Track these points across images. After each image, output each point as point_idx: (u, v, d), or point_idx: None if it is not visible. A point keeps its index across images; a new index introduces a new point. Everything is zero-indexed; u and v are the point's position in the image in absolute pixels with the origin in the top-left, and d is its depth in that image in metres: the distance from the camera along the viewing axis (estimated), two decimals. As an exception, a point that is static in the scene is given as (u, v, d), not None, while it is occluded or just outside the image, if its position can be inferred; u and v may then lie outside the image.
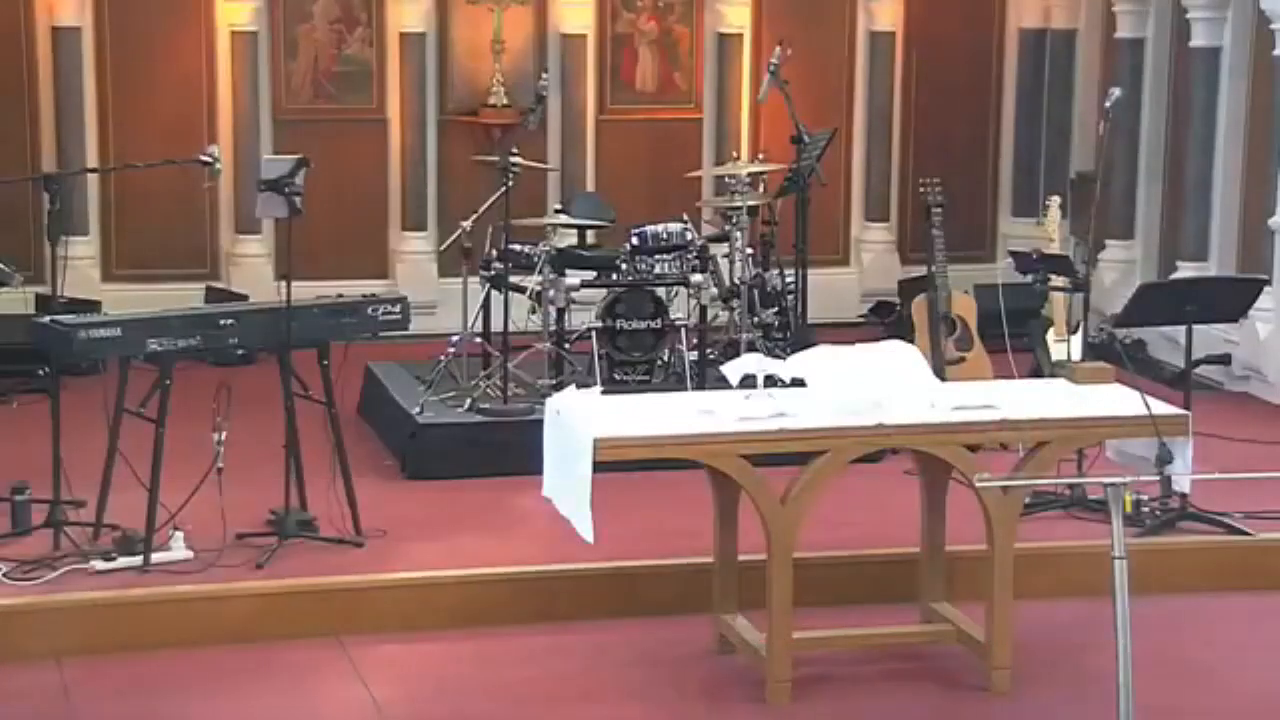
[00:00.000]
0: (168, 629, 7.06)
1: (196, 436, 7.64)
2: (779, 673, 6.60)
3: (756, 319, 10.09)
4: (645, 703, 6.67)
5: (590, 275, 9.69)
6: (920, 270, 10.84)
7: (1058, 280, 9.17)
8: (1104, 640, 5.60)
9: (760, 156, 10.87)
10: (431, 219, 12.15)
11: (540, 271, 9.35)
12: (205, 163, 8.08)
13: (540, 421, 6.91)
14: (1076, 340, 9.38)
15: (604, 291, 9.58)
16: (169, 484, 7.49)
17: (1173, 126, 11.74)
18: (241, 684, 6.75)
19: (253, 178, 9.44)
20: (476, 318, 9.81)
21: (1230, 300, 8.75)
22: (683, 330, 9.54)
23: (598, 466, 6.34)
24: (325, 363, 7.83)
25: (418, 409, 9.09)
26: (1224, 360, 10.67)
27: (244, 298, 10.37)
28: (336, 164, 11.51)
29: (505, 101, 11.93)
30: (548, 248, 9.44)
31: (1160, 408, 6.31)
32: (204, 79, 11.76)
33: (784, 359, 7.67)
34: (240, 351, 8.07)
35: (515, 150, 9.63)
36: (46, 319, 7.55)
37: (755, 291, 10.13)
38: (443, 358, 9.57)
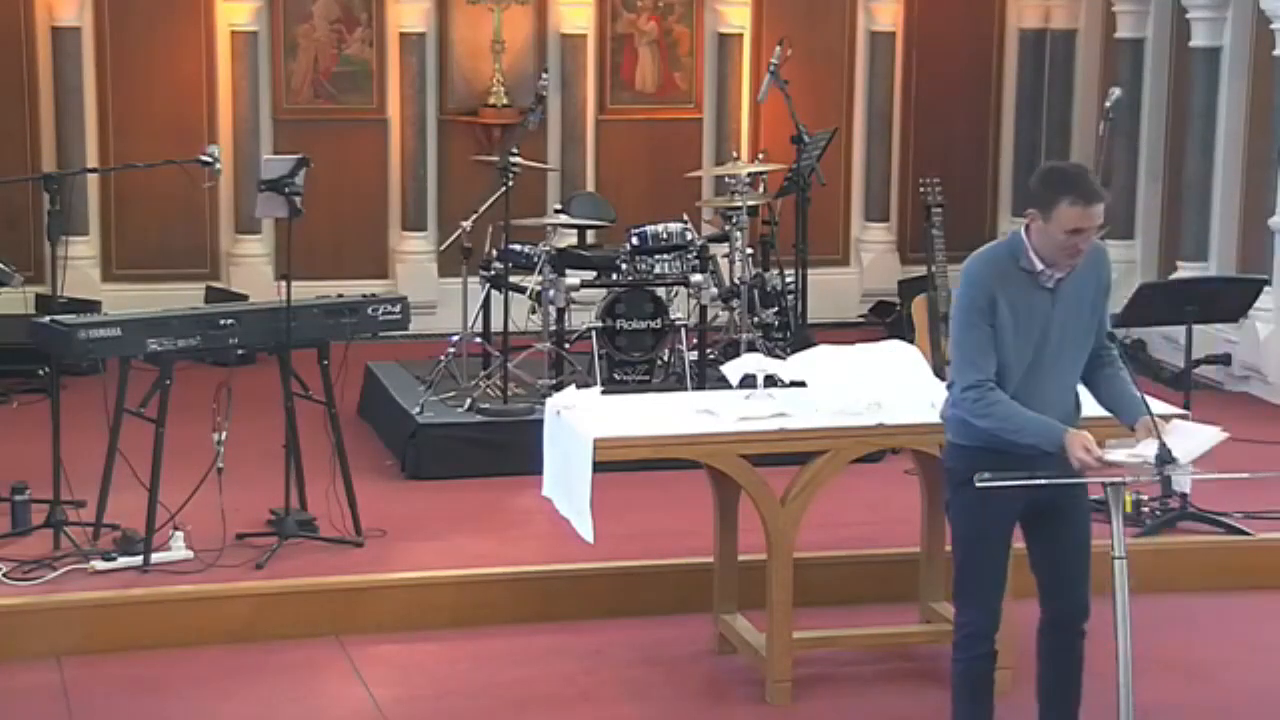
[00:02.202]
0: (168, 629, 7.06)
1: (196, 436, 7.65)
2: (779, 673, 6.60)
3: (756, 319, 10.09)
4: (645, 703, 6.67)
5: (590, 275, 9.69)
6: (920, 270, 10.84)
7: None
8: (1104, 640, 5.60)
9: (760, 156, 10.86)
10: (431, 219, 12.15)
11: (540, 271, 9.35)
12: (205, 163, 8.07)
13: (540, 421, 6.91)
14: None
15: (604, 291, 9.57)
16: (169, 484, 7.49)
17: (1173, 126, 11.74)
18: (241, 684, 6.75)
19: (253, 178, 9.46)
20: (476, 318, 9.81)
21: (1230, 300, 8.76)
22: (683, 330, 9.54)
23: (598, 466, 6.34)
24: (325, 363, 7.83)
25: (418, 409, 9.09)
26: (1224, 360, 10.67)
27: (244, 298, 10.38)
28: (336, 164, 11.52)
29: (505, 101, 11.93)
30: (548, 248, 9.44)
31: (1160, 408, 6.30)
32: (204, 79, 11.76)
33: (784, 359, 7.69)
34: (240, 351, 8.06)
35: (515, 150, 9.63)
36: (46, 319, 7.55)
37: (755, 291, 10.13)
38: (443, 358, 9.58)
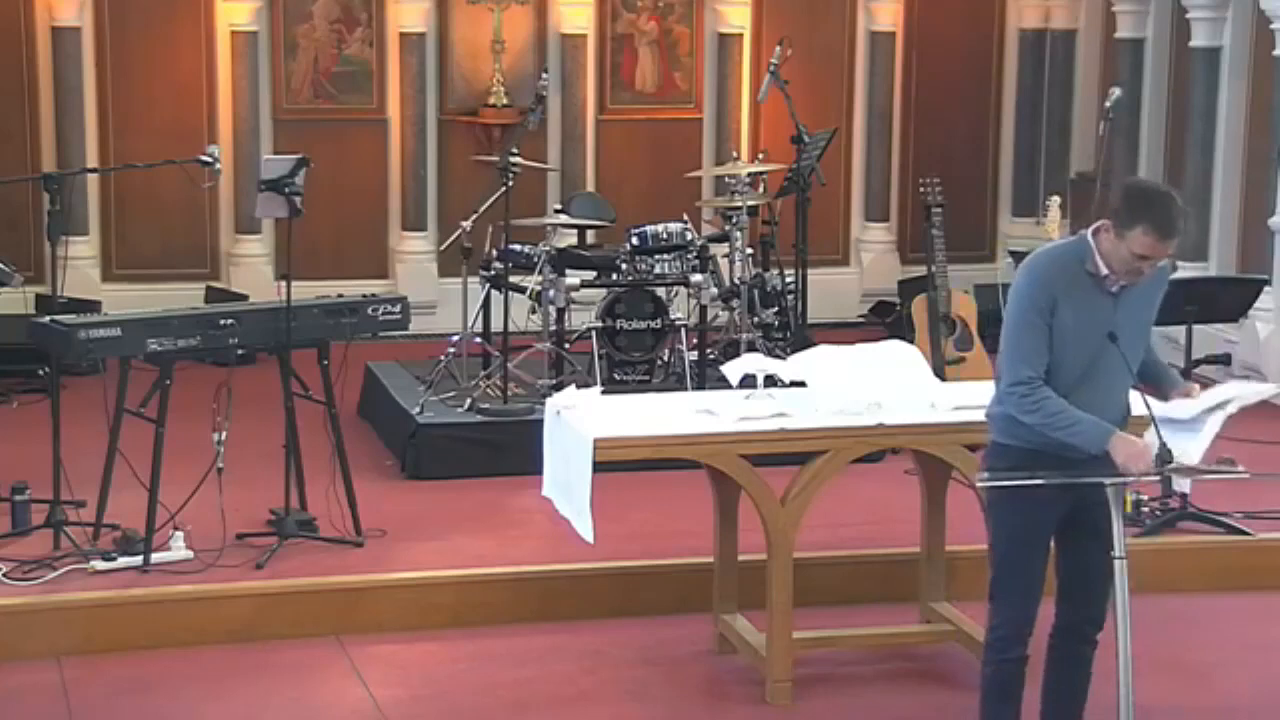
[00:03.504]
0: (168, 629, 7.06)
1: (196, 436, 7.65)
2: (779, 673, 6.60)
3: (756, 319, 10.09)
4: (645, 703, 6.67)
5: (590, 275, 9.69)
6: (920, 270, 10.84)
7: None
8: (1104, 640, 5.60)
9: (760, 156, 10.87)
10: (431, 219, 12.15)
11: (540, 271, 9.35)
12: (205, 163, 8.07)
13: (540, 421, 6.91)
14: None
15: (604, 291, 9.57)
16: (169, 484, 7.49)
17: (1173, 126, 11.74)
18: (241, 684, 6.75)
19: (253, 178, 9.46)
20: (476, 318, 9.81)
21: (1230, 300, 8.76)
22: (683, 330, 9.54)
23: (598, 466, 6.33)
24: (325, 363, 7.83)
25: (418, 409, 9.09)
26: (1224, 360, 10.66)
27: (244, 298, 10.38)
28: (336, 164, 11.53)
29: (505, 101, 11.93)
30: (548, 248, 9.44)
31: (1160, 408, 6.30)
32: (204, 79, 11.76)
33: (784, 359, 7.68)
34: (240, 351, 8.06)
35: (515, 150, 9.63)
36: (46, 319, 7.55)
37: (755, 291, 10.13)
38: (443, 358, 9.58)
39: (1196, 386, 5.63)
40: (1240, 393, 5.65)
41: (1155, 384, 5.68)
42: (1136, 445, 5.38)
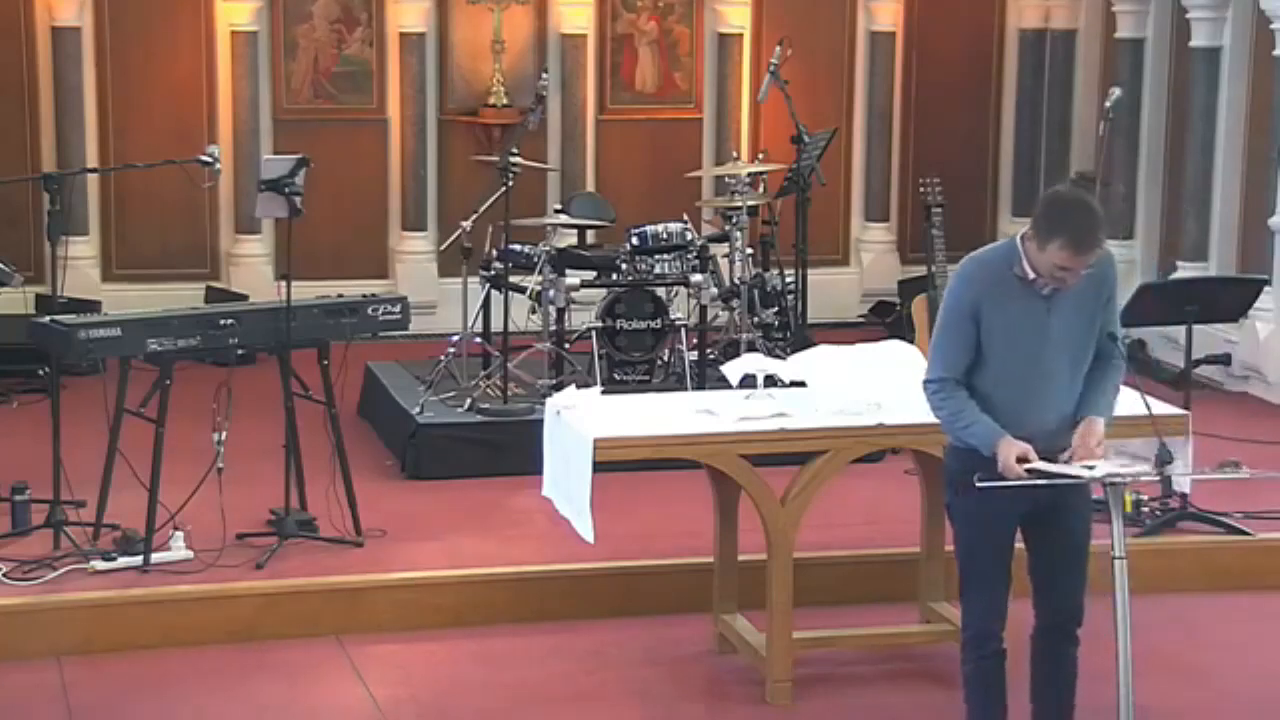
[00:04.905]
0: (168, 629, 7.06)
1: (196, 436, 7.65)
2: (779, 673, 6.60)
3: (756, 319, 10.09)
4: (645, 703, 6.67)
5: (590, 275, 9.69)
6: (920, 270, 10.85)
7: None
8: (1104, 640, 5.60)
9: (760, 156, 10.87)
10: (431, 219, 12.15)
11: (540, 271, 9.35)
12: (205, 163, 8.08)
13: (540, 421, 6.91)
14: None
15: (604, 291, 9.57)
16: (169, 484, 7.49)
17: (1173, 126, 11.74)
18: (241, 684, 6.75)
19: (253, 178, 9.45)
20: (476, 318, 9.81)
21: (1230, 300, 8.77)
22: (683, 330, 9.54)
23: (598, 466, 6.34)
24: (325, 363, 7.83)
25: (418, 409, 9.09)
26: (1224, 360, 10.68)
27: (244, 298, 10.38)
28: (336, 164, 11.52)
29: (505, 101, 11.93)
30: (548, 248, 9.44)
31: (1160, 408, 6.31)
32: (204, 79, 11.76)
33: (784, 359, 7.69)
34: (240, 351, 8.06)
35: (515, 150, 9.63)
36: (46, 319, 7.55)
37: (755, 291, 10.13)
38: (443, 358, 9.58)
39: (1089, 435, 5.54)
40: (1104, 467, 5.51)
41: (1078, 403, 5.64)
42: (1023, 448, 5.41)
